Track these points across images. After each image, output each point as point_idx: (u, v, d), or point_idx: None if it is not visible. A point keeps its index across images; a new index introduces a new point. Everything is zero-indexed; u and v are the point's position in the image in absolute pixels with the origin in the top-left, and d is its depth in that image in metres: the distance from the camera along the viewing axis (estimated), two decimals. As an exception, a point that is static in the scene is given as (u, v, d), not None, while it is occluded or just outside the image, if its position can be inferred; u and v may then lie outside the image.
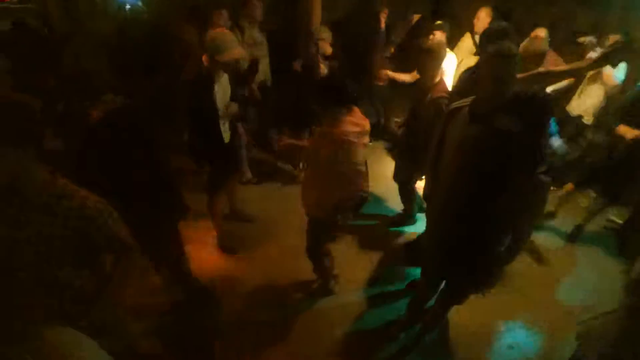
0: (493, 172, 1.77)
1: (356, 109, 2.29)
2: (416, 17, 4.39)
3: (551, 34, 3.65)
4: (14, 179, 1.25)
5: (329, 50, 3.95)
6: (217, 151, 2.93)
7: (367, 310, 2.92)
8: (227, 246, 3.39)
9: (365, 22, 4.85)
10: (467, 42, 4.33)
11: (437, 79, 2.92)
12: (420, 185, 3.92)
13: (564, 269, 3.41)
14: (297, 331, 2.72)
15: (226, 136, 2.93)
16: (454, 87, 2.87)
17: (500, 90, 1.74)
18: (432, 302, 2.54)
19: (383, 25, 4.78)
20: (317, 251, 2.70)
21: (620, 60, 2.24)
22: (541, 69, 2.49)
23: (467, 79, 2.72)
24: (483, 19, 4.07)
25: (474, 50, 4.21)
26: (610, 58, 2.12)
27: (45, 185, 1.31)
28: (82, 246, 1.39)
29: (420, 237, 2.43)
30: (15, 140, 1.23)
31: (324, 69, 4.21)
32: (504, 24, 2.57)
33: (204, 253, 3.31)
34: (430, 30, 4.05)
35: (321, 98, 2.25)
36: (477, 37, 4.22)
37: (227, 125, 2.91)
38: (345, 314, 2.86)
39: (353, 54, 5.29)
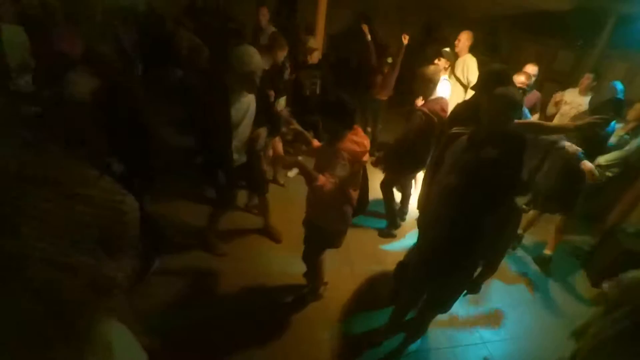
0: (482, 192, 1.93)
1: (358, 128, 2.37)
2: (405, 37, 4.53)
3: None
4: (53, 171, 1.31)
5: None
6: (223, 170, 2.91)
7: (353, 316, 2.97)
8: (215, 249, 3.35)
9: (358, 38, 5.00)
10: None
11: (431, 97, 3.25)
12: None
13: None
14: (284, 335, 2.74)
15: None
16: (451, 114, 3.04)
17: (500, 127, 1.94)
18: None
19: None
20: (314, 257, 2.75)
21: (602, 129, 2.55)
22: (534, 120, 2.69)
23: (463, 109, 2.88)
24: (464, 42, 4.36)
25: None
26: (594, 127, 2.38)
27: (86, 180, 1.37)
28: (107, 237, 1.43)
29: (410, 251, 2.53)
30: (66, 140, 1.31)
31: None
32: (504, 66, 2.74)
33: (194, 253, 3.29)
34: (434, 57, 4.29)
35: (326, 115, 2.30)
36: (458, 61, 4.47)
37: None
38: (331, 320, 2.91)
39: (347, 67, 5.47)
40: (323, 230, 2.52)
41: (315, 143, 2.54)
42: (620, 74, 4.87)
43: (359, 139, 2.31)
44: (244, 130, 2.82)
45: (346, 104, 2.24)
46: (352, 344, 2.76)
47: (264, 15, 4.63)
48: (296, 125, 2.53)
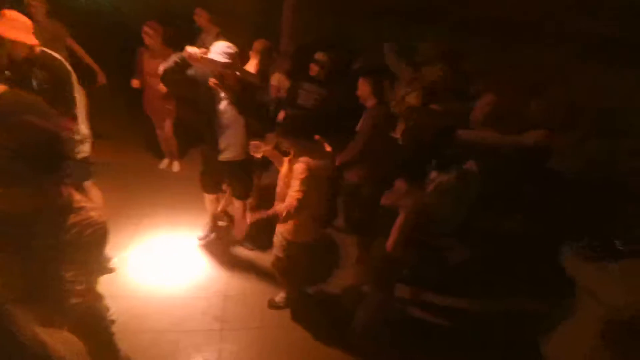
0: None
1: (321, 142, 2.40)
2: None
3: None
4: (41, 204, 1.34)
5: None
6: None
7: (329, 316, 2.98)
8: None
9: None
10: None
11: None
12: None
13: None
14: (269, 341, 2.78)
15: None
16: None
17: None
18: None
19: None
20: (285, 269, 2.75)
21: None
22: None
23: None
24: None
25: None
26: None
27: (63, 205, 1.40)
28: (86, 252, 1.43)
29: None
30: (45, 168, 1.29)
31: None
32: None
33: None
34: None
35: (284, 129, 2.32)
36: None
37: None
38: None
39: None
40: (294, 242, 2.54)
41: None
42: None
43: (318, 154, 2.34)
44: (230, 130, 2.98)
45: (301, 120, 2.28)
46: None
47: (200, 16, 4.59)
48: (268, 148, 2.55)
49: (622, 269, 1.62)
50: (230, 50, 2.70)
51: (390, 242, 2.21)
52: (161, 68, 2.76)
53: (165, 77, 2.78)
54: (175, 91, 3.44)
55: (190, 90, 2.92)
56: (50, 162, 1.30)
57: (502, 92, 3.00)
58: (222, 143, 3.02)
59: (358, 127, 3.12)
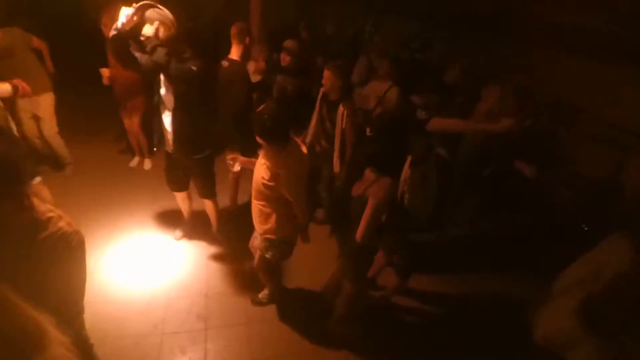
0: None
1: (295, 141, 2.37)
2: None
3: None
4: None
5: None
6: None
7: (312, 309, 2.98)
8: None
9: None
10: None
11: None
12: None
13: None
14: (254, 337, 2.76)
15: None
16: None
17: None
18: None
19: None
20: (268, 267, 2.74)
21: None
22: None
23: None
24: None
25: None
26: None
27: (29, 221, 1.28)
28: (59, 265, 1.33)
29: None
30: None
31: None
32: None
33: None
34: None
35: (257, 128, 2.23)
36: None
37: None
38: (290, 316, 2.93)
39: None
40: (274, 241, 2.52)
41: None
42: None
43: (294, 153, 2.30)
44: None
45: (280, 116, 2.20)
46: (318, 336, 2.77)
47: None
48: (245, 159, 2.52)
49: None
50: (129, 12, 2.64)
51: (359, 231, 2.23)
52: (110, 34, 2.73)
53: (114, 45, 2.80)
54: (123, 59, 3.14)
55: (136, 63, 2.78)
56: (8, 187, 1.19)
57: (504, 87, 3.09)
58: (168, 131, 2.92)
59: (339, 128, 3.13)
